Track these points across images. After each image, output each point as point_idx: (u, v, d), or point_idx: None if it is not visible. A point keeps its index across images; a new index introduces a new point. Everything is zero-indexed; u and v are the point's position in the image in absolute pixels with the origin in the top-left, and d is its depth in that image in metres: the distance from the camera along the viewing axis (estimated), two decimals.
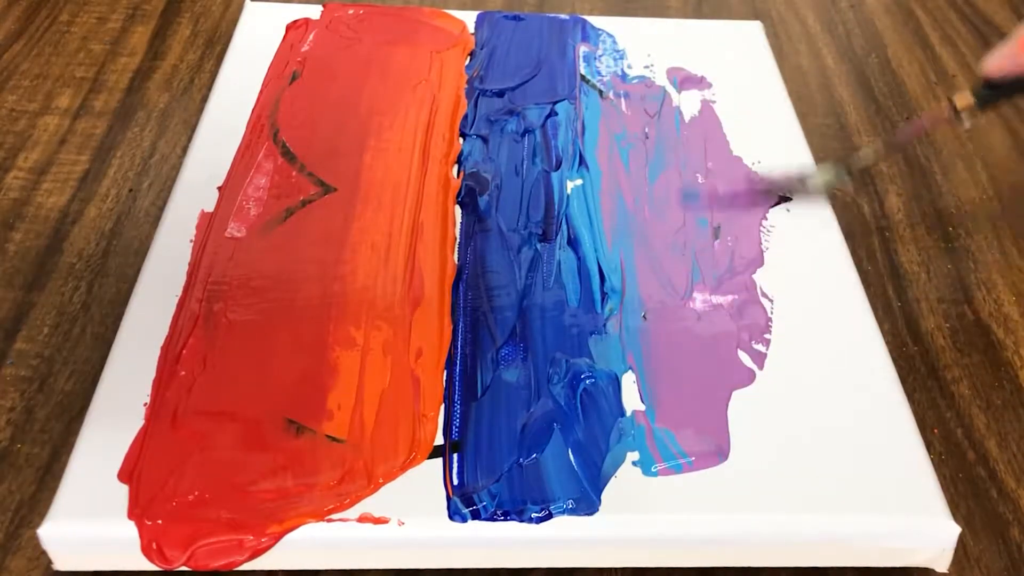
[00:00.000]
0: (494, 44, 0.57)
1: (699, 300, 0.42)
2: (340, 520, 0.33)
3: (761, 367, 0.39)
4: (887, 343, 0.41)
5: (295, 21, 0.57)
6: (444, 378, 0.38)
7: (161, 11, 0.63)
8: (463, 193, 0.47)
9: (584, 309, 0.41)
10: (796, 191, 0.47)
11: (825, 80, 0.62)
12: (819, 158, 0.51)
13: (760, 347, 0.40)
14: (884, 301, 0.47)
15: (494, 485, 0.34)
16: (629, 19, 0.61)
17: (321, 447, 0.35)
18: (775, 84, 0.55)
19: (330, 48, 0.55)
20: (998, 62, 0.42)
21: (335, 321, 0.40)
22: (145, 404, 0.36)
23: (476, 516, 0.34)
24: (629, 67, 0.56)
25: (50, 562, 0.34)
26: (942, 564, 0.36)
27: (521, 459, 0.35)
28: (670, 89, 0.54)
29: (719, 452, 0.36)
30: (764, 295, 0.43)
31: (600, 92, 0.54)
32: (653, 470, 0.35)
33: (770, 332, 0.41)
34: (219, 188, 0.46)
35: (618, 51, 0.57)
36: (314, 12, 0.58)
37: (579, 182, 0.48)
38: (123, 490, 0.33)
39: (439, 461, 0.35)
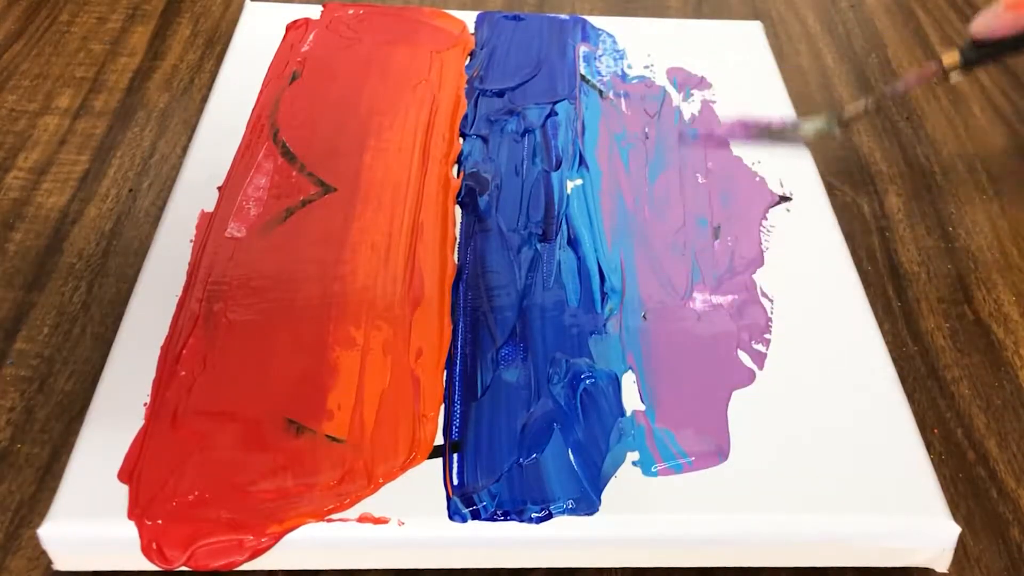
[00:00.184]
0: (494, 44, 0.57)
1: (699, 300, 0.42)
2: (340, 520, 0.33)
3: (761, 367, 0.39)
4: (887, 343, 0.41)
5: (295, 21, 0.57)
6: (444, 378, 0.38)
7: (161, 11, 0.63)
8: (463, 193, 0.47)
9: (584, 309, 0.41)
10: (787, 136, 0.50)
11: (825, 80, 0.62)
12: (819, 158, 0.51)
13: (760, 347, 0.40)
14: (884, 301, 0.47)
15: (494, 485, 0.34)
16: (629, 19, 0.61)
17: (321, 447, 0.35)
18: (775, 84, 0.55)
19: (330, 48, 0.55)
20: (983, 21, 0.44)
21: (335, 321, 0.40)
22: (145, 404, 0.36)
23: (476, 516, 0.34)
24: (629, 67, 0.56)
25: (50, 562, 0.34)
26: (942, 564, 0.36)
27: (521, 459, 0.35)
28: (670, 89, 0.54)
29: (719, 452, 0.36)
30: (764, 295, 0.43)
31: (600, 92, 0.54)
32: (653, 470, 0.35)
33: (770, 332, 0.41)
34: (219, 188, 0.46)
35: (618, 51, 0.57)
36: (314, 12, 0.58)
37: (579, 182, 0.48)
38: (123, 490, 0.33)
39: (439, 461, 0.35)
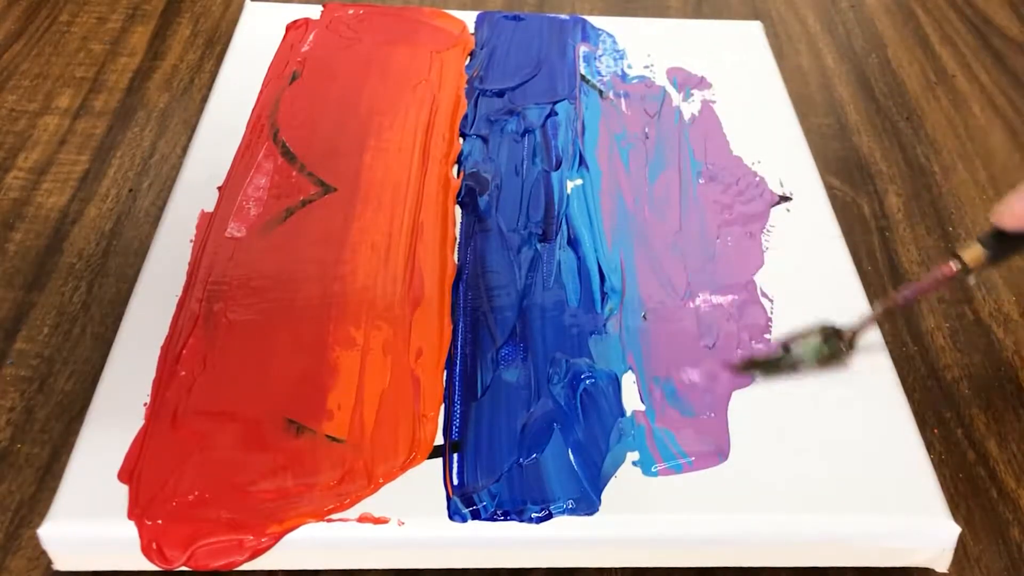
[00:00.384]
0: (494, 44, 0.57)
1: (699, 300, 0.42)
2: (340, 520, 0.33)
3: None
4: (887, 343, 0.41)
5: (295, 21, 0.57)
6: (444, 378, 0.38)
7: (161, 11, 0.63)
8: (463, 193, 0.47)
9: (584, 309, 0.41)
10: (783, 366, 0.39)
11: (825, 80, 0.62)
12: (819, 158, 0.51)
13: (760, 347, 0.40)
14: None
15: (494, 485, 0.34)
16: (629, 19, 0.61)
17: (321, 447, 0.35)
18: (775, 84, 0.55)
19: (330, 48, 0.55)
20: (1015, 209, 0.35)
21: (335, 321, 0.40)
22: (145, 404, 0.36)
23: (476, 516, 0.33)
24: (629, 67, 0.56)
25: (50, 562, 0.34)
26: (942, 564, 0.36)
27: (521, 459, 0.35)
28: (670, 89, 0.54)
29: (719, 452, 0.36)
30: (764, 295, 0.43)
31: (600, 92, 0.54)
32: (653, 470, 0.35)
33: (770, 332, 0.41)
34: (219, 188, 0.46)
35: (618, 51, 0.57)
36: (314, 12, 0.58)
37: (579, 182, 0.48)
38: (123, 490, 0.33)
39: (439, 461, 0.35)
